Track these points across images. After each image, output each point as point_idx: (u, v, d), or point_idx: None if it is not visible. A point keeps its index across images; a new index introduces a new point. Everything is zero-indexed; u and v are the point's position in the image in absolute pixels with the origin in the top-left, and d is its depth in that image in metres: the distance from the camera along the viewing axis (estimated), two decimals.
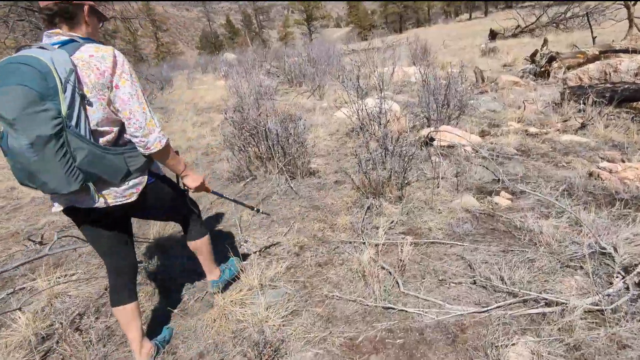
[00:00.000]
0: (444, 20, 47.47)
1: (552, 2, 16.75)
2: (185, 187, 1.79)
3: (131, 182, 1.49)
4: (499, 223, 2.55)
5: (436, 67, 7.45)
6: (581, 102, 4.68)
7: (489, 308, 1.76)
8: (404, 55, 10.92)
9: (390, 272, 2.14)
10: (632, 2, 10.50)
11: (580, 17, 13.74)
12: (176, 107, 9.34)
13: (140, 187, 1.53)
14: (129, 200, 1.51)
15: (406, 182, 3.05)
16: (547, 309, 1.70)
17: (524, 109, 5.12)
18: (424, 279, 2.08)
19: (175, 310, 2.13)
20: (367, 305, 1.92)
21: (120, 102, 1.40)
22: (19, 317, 2.03)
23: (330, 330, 1.81)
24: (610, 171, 2.96)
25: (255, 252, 2.54)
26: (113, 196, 1.47)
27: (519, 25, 15.97)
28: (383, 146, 3.10)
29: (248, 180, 3.83)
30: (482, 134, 4.47)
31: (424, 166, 3.52)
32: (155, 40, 59.45)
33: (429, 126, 4.51)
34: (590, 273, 1.83)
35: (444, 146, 3.95)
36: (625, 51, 6.70)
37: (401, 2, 56.75)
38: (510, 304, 1.78)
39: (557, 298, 1.72)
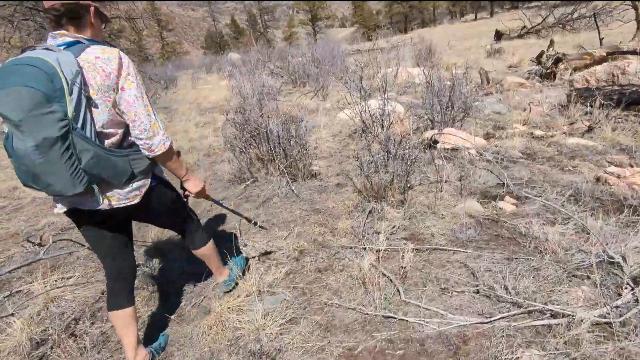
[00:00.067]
0: (449, 20, 47.31)
1: (558, 2, 16.61)
2: (186, 192, 1.79)
3: (135, 185, 1.50)
4: (504, 229, 2.49)
5: (441, 68, 7.38)
6: (588, 104, 4.60)
7: (492, 319, 1.71)
8: (408, 55, 10.86)
9: (391, 280, 2.09)
10: None
11: (587, 18, 13.60)
12: (180, 107, 9.35)
13: (144, 190, 1.54)
14: (132, 203, 1.51)
15: (409, 185, 3.00)
16: (552, 321, 1.64)
17: (530, 111, 5.05)
18: (425, 287, 2.03)
19: (172, 316, 2.09)
20: (367, 313, 1.87)
21: (125, 104, 1.40)
22: (14, 322, 2.00)
23: (328, 340, 1.76)
24: (618, 176, 2.89)
25: (254, 257, 2.50)
26: (116, 198, 1.47)
27: (524, 26, 15.84)
28: (385, 149, 3.05)
29: (249, 182, 3.79)
30: (487, 136, 4.41)
31: (427, 169, 3.47)
32: (160, 40, 59.66)
33: (432, 128, 4.45)
34: (598, 283, 1.77)
35: (447, 149, 3.89)
36: (633, 53, 6.60)
37: (406, 2, 56.54)
38: (514, 314, 1.72)
39: (564, 310, 1.66)
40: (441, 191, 3.01)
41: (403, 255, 2.15)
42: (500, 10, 45.16)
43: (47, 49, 1.28)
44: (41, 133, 1.18)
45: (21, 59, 1.22)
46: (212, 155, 5.24)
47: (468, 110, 4.65)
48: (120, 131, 1.45)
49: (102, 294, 2.36)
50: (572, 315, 1.61)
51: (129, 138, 1.48)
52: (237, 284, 2.16)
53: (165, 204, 1.73)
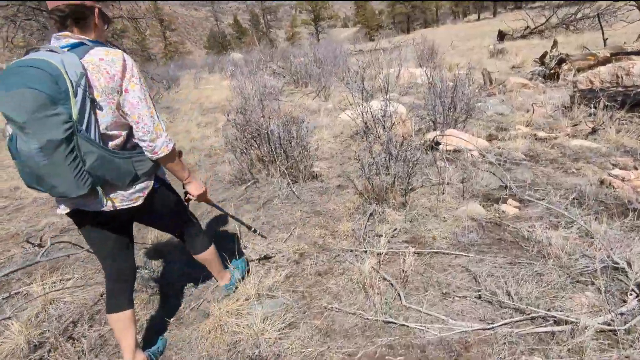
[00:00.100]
0: (452, 20, 47.13)
1: (562, 2, 16.50)
2: (188, 195, 1.79)
3: (138, 186, 1.50)
4: (506, 233, 2.46)
5: (443, 68, 7.34)
6: (592, 105, 4.56)
7: (494, 325, 1.68)
8: (410, 56, 10.82)
9: (392, 284, 2.07)
10: None
11: (591, 18, 13.49)
12: (182, 106, 9.34)
13: (147, 191, 1.54)
14: (136, 204, 1.51)
15: (410, 188, 2.97)
16: (556, 328, 1.62)
17: (533, 112, 5.00)
18: (426, 291, 2.00)
19: (170, 320, 2.08)
20: (367, 318, 1.85)
21: (129, 106, 1.40)
22: (12, 324, 1.99)
23: (328, 345, 1.74)
24: (623, 179, 2.85)
25: (253, 261, 2.48)
26: (120, 199, 1.47)
27: (528, 26, 15.74)
28: (387, 151, 3.02)
29: (250, 183, 3.77)
30: (490, 138, 4.37)
31: (429, 171, 3.44)
32: (163, 40, 59.77)
33: (434, 129, 4.42)
34: (602, 290, 1.74)
35: (450, 150, 3.86)
36: (638, 53, 6.54)
37: (409, 2, 56.40)
38: (517, 321, 1.70)
39: (567, 316, 1.63)
40: (443, 193, 2.98)
41: (404, 259, 2.12)
42: (503, 10, 45.01)
43: (51, 50, 1.28)
44: (45, 135, 1.18)
45: (25, 60, 1.22)
46: (213, 156, 5.23)
47: (470, 111, 4.61)
48: (124, 133, 1.45)
49: (101, 296, 2.35)
50: (576, 322, 1.58)
51: (132, 140, 1.48)
52: (237, 287, 2.14)
53: (168, 205, 1.73)
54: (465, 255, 2.25)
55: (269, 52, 15.74)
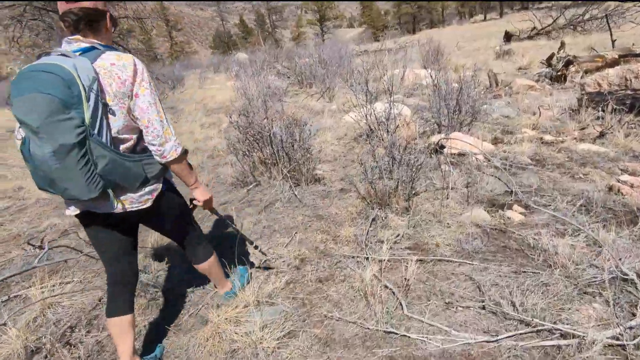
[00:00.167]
0: (458, 21, 46.92)
1: (569, 3, 16.33)
2: (194, 201, 1.81)
3: (147, 189, 1.52)
4: (511, 240, 2.41)
5: (449, 69, 7.28)
6: (600, 109, 4.48)
7: (498, 337, 1.63)
8: (416, 57, 10.75)
9: (393, 292, 2.03)
10: None
11: (599, 19, 13.33)
12: (186, 107, 9.35)
13: (155, 194, 1.56)
14: (145, 206, 1.53)
15: (414, 192, 2.93)
16: (562, 342, 1.57)
17: (539, 115, 4.94)
18: (429, 301, 1.96)
19: (169, 326, 2.05)
20: (368, 328, 1.81)
21: (139, 111, 1.42)
22: (10, 329, 1.98)
23: (327, 356, 1.70)
24: (632, 185, 2.79)
25: (254, 267, 2.44)
26: (129, 202, 1.49)
27: (535, 27, 15.59)
28: (390, 155, 2.98)
29: (252, 186, 3.74)
30: (495, 141, 4.31)
31: (433, 175, 3.39)
32: (169, 40, 60.04)
33: (439, 132, 4.37)
34: (611, 302, 1.69)
35: (454, 154, 3.80)
36: None
37: (415, 2, 56.14)
38: (522, 333, 1.65)
39: (574, 330, 1.58)
40: (447, 198, 2.93)
41: (407, 267, 2.08)
42: (510, 10, 44.64)
43: (63, 54, 1.28)
44: (58, 139, 1.19)
45: (37, 65, 1.23)
46: (215, 158, 5.21)
47: (476, 114, 4.55)
48: (134, 136, 1.47)
49: (100, 300, 2.33)
50: (583, 336, 1.53)
51: (142, 143, 1.51)
52: (236, 295, 2.11)
53: (174, 208, 1.75)
54: (469, 263, 2.20)
55: (274, 53, 15.74)
